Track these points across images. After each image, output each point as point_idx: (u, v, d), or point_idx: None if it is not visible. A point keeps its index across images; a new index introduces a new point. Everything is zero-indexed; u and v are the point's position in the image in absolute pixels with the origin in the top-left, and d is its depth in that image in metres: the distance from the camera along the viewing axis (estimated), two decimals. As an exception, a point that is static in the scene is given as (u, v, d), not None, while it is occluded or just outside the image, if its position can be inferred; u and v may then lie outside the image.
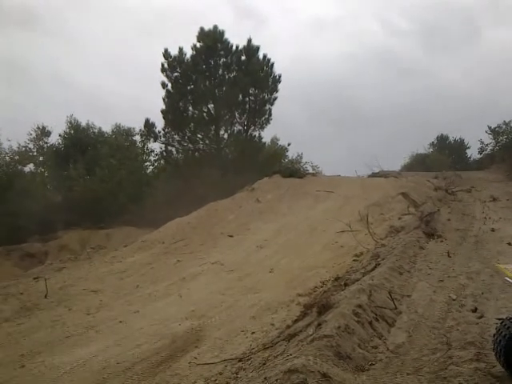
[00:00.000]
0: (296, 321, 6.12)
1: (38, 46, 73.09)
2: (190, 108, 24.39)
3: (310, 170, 27.68)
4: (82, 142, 25.98)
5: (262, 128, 25.10)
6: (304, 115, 68.96)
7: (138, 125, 27.10)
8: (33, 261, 17.07)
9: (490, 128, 31.49)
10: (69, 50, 72.53)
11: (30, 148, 25.59)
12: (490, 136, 31.81)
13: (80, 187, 22.56)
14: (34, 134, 26.06)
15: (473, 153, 37.49)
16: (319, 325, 4.87)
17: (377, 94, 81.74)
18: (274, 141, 30.47)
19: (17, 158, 22.98)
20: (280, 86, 25.04)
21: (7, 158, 22.41)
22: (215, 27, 23.95)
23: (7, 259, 17.10)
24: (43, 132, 26.28)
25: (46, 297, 9.30)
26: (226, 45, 24.12)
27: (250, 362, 5.21)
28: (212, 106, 24.31)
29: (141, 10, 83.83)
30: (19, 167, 23.17)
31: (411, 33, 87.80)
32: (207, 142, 24.80)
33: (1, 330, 7.63)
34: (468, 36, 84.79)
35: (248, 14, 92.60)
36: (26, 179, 22.74)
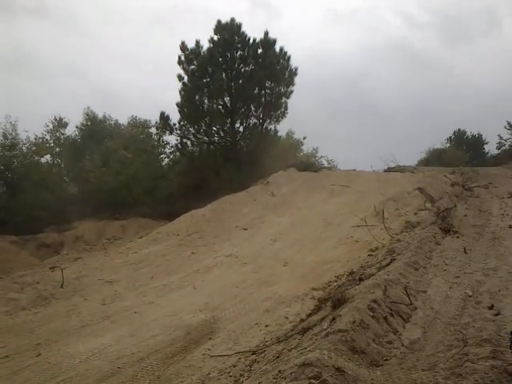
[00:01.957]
0: (310, 315, 6.12)
1: (51, 36, 73.46)
2: (206, 101, 24.37)
3: (326, 164, 27.59)
4: (98, 134, 26.15)
5: (278, 121, 25.00)
6: (318, 108, 68.44)
7: (150, 115, 27.23)
8: (49, 251, 17.27)
9: (509, 123, 31.17)
10: (82, 41, 72.69)
11: (46, 139, 25.80)
12: (509, 131, 31.49)
13: (96, 179, 22.71)
14: (50, 126, 26.27)
15: (491, 148, 37.05)
16: (334, 319, 4.85)
17: (394, 87, 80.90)
18: (290, 134, 30.39)
19: (34, 148, 23.15)
20: (296, 80, 25.02)
21: (24, 148, 22.60)
22: (232, 20, 23.85)
23: (23, 249, 17.29)
24: (60, 123, 26.46)
25: (61, 286, 9.42)
26: (243, 38, 23.98)
27: (263, 354, 5.22)
28: (228, 99, 24.23)
29: (154, 1, 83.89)
30: (36, 158, 23.35)
31: (430, 25, 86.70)
32: (222, 134, 24.73)
33: (17, 318, 7.75)
34: (488, 29, 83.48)
35: (263, 4, 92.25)
36: (42, 170, 22.92)
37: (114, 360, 5.80)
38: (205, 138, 24.73)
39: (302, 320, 6.07)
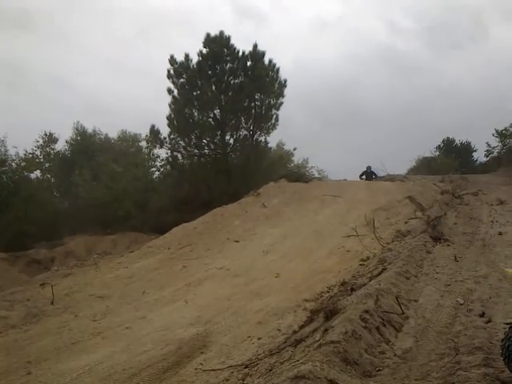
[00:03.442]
0: (302, 326, 6.09)
1: (37, 48, 73.52)
2: (196, 114, 24.38)
3: (316, 175, 27.69)
4: (88, 149, 26.12)
5: (268, 133, 25.05)
6: (306, 116, 68.78)
7: (139, 125, 27.37)
8: (39, 267, 17.09)
9: (497, 131, 31.44)
10: (69, 53, 72.76)
11: (36, 155, 25.72)
12: (497, 139, 31.76)
13: (86, 193, 22.62)
14: (41, 141, 26.21)
15: (479, 156, 37.41)
16: (326, 330, 4.84)
17: (381, 93, 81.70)
18: (280, 145, 30.51)
19: (23, 164, 23.04)
20: (285, 91, 25.11)
21: (14, 164, 22.49)
22: (221, 33, 23.98)
23: (13, 265, 17.12)
24: (50, 139, 26.42)
25: (52, 303, 9.32)
26: (233, 50, 24.07)
27: (256, 368, 5.19)
28: (218, 111, 24.28)
29: (139, 11, 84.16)
30: (26, 174, 23.23)
31: (416, 31, 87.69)
32: (213, 147, 24.73)
33: (7, 336, 7.66)
34: (474, 34, 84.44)
35: (248, 13, 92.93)
36: (32, 186, 22.81)
37: (106, 377, 5.73)
38: (195, 151, 24.71)
39: (295, 332, 6.05)
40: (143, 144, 26.73)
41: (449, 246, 9.52)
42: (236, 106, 23.88)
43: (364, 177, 25.98)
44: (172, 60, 23.90)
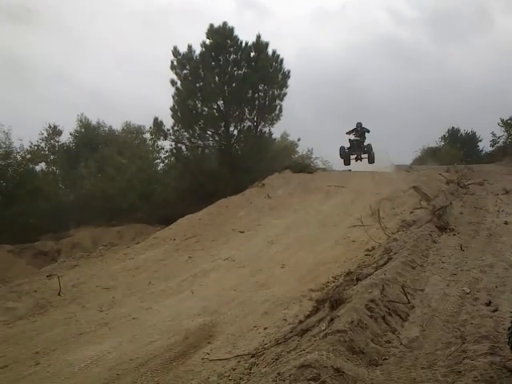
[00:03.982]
0: (308, 316, 6.10)
1: (39, 43, 73.30)
2: (200, 105, 24.32)
3: (321, 165, 27.59)
4: (92, 141, 26.12)
5: (272, 124, 24.97)
6: (310, 108, 68.31)
7: (141, 119, 27.21)
8: (46, 259, 17.19)
9: (502, 120, 31.23)
10: (71, 47, 72.51)
11: (42, 147, 25.73)
12: (503, 128, 31.56)
13: (91, 185, 22.66)
14: (45, 133, 26.21)
15: (485, 145, 37.16)
16: (332, 320, 4.85)
17: (385, 85, 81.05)
18: (284, 136, 30.39)
19: (28, 156, 23.04)
20: (289, 82, 24.98)
21: (19, 157, 22.48)
22: (225, 24, 23.88)
23: (20, 257, 17.21)
24: (55, 131, 26.41)
25: (59, 294, 9.39)
26: (236, 41, 23.98)
27: (262, 357, 5.21)
28: (221, 102, 24.21)
29: (141, 3, 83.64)
30: (31, 166, 23.23)
31: (420, 22, 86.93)
32: (217, 138, 24.70)
33: (15, 327, 7.72)
34: (479, 24, 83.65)
35: (250, 4, 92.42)
36: (37, 178, 22.82)
37: (113, 367, 5.77)
38: (199, 142, 24.69)
39: (301, 321, 6.06)
40: (147, 136, 26.68)
41: (454, 235, 9.49)
42: (240, 97, 23.80)
43: (353, 134, 23.73)
44: (175, 51, 23.82)
